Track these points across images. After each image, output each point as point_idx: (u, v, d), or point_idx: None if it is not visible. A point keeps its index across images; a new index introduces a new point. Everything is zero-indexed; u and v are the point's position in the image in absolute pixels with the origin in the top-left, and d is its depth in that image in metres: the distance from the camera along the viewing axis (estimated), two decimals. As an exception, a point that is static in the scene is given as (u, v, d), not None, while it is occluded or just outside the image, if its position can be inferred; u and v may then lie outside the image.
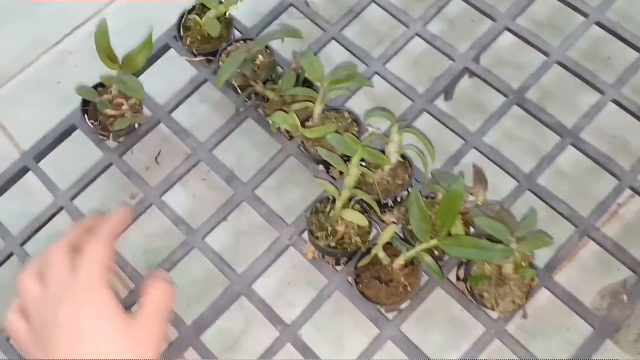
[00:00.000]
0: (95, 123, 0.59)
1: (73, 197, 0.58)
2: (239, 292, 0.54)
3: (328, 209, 0.54)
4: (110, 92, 0.58)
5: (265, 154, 0.59)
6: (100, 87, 0.59)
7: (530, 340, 0.56)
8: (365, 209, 0.53)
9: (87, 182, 0.58)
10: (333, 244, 0.52)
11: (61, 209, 0.58)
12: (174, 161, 0.60)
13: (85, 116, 0.59)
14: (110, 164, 0.59)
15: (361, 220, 0.52)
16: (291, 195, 0.62)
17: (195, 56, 0.61)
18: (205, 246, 0.55)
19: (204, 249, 0.55)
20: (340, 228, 0.53)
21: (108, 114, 0.58)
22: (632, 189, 0.56)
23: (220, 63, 0.59)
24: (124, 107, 0.57)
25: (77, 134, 0.60)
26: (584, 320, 0.52)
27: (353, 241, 0.53)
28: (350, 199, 0.53)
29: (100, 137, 0.59)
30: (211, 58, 0.61)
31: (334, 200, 0.54)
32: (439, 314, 0.57)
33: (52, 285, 0.45)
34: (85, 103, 0.59)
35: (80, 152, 0.59)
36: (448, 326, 0.57)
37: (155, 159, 0.64)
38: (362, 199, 0.52)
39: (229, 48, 0.60)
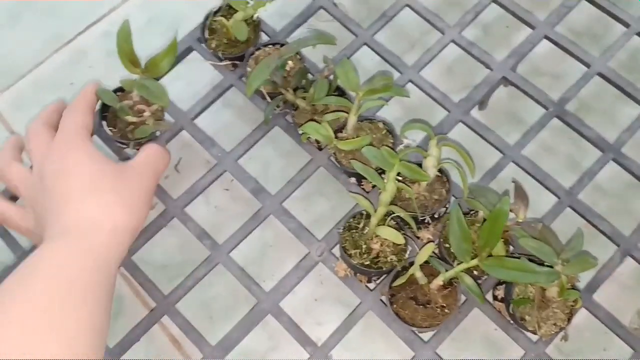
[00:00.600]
0: (115, 130, 0.56)
1: (90, 208, 0.55)
2: (267, 311, 0.51)
3: (362, 225, 0.51)
4: (131, 97, 0.55)
5: (291, 164, 0.56)
6: (119, 91, 0.56)
7: (566, 361, 0.54)
8: (400, 226, 0.51)
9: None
10: (367, 263, 0.50)
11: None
12: (195, 170, 0.57)
13: (104, 122, 0.56)
14: (130, 173, 0.56)
15: (397, 238, 0.49)
16: (319, 207, 0.59)
17: (221, 60, 0.58)
18: (231, 262, 0.53)
19: (229, 265, 0.53)
20: (376, 246, 0.50)
21: (128, 120, 0.55)
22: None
23: (248, 69, 0.56)
24: (146, 113, 0.54)
25: (95, 141, 0.57)
26: (623, 341, 0.50)
27: (389, 259, 0.50)
28: (386, 216, 0.50)
29: (120, 145, 0.56)
30: (237, 63, 0.58)
31: (367, 216, 0.51)
32: (472, 334, 0.55)
33: (35, 159, 0.45)
34: (104, 108, 0.56)
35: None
36: (481, 346, 0.55)
37: (175, 167, 0.61)
38: (397, 215, 0.50)
39: (257, 53, 0.57)
